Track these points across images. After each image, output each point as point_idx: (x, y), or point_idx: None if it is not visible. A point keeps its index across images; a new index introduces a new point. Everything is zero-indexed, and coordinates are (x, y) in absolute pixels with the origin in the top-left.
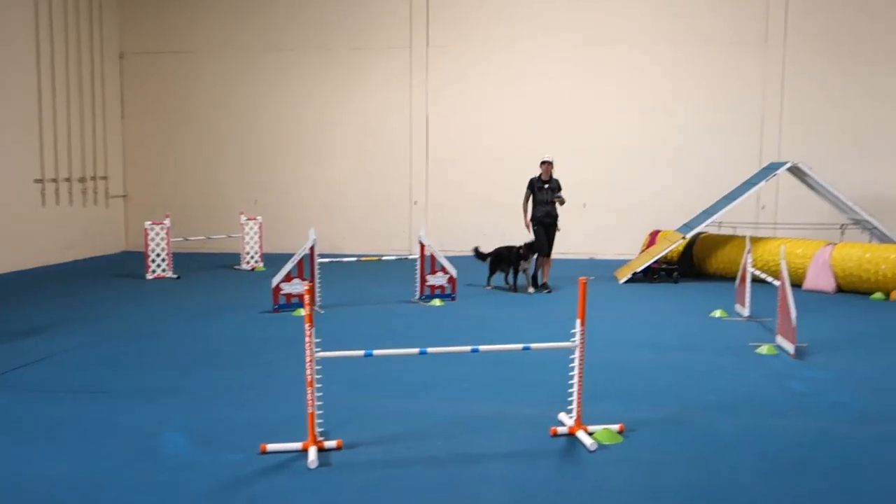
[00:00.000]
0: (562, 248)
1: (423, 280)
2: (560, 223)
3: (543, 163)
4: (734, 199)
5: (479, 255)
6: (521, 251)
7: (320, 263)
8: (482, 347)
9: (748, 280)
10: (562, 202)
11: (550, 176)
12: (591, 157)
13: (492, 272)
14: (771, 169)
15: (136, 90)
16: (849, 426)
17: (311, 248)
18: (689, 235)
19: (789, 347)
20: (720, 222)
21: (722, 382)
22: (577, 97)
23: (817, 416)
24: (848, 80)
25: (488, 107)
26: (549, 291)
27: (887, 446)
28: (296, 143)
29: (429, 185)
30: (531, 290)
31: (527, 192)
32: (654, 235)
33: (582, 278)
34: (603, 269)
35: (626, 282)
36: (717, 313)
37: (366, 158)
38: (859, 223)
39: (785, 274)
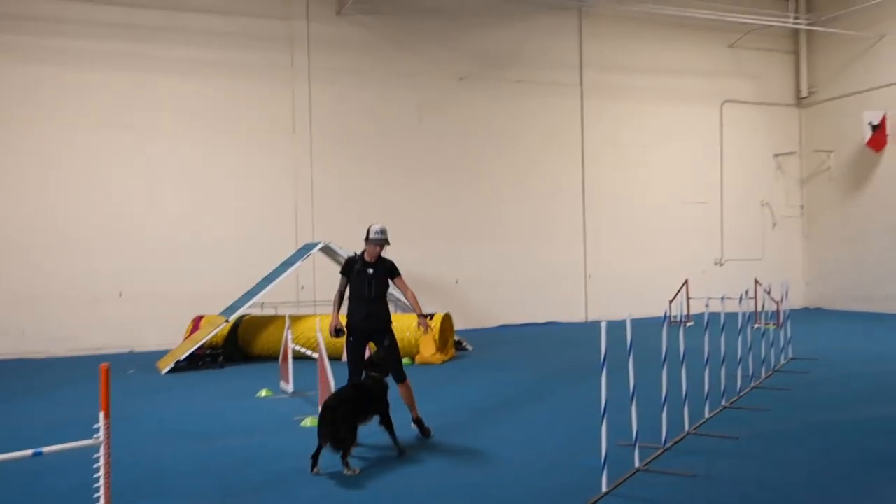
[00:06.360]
0: (97, 343)
1: None
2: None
3: (370, 239)
4: (273, 280)
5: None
6: (374, 382)
7: None
8: None
9: (290, 357)
10: (424, 322)
11: (378, 256)
12: (127, 246)
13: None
14: (306, 249)
15: None
16: None
17: None
18: (232, 318)
19: None
20: (263, 303)
21: (269, 461)
22: (111, 185)
23: None
24: (362, 169)
25: (14, 190)
26: (429, 435)
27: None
28: None
29: None
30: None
31: (341, 283)
32: (197, 321)
33: (103, 364)
34: (145, 361)
35: (170, 371)
36: (263, 393)
37: None
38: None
39: (322, 347)
